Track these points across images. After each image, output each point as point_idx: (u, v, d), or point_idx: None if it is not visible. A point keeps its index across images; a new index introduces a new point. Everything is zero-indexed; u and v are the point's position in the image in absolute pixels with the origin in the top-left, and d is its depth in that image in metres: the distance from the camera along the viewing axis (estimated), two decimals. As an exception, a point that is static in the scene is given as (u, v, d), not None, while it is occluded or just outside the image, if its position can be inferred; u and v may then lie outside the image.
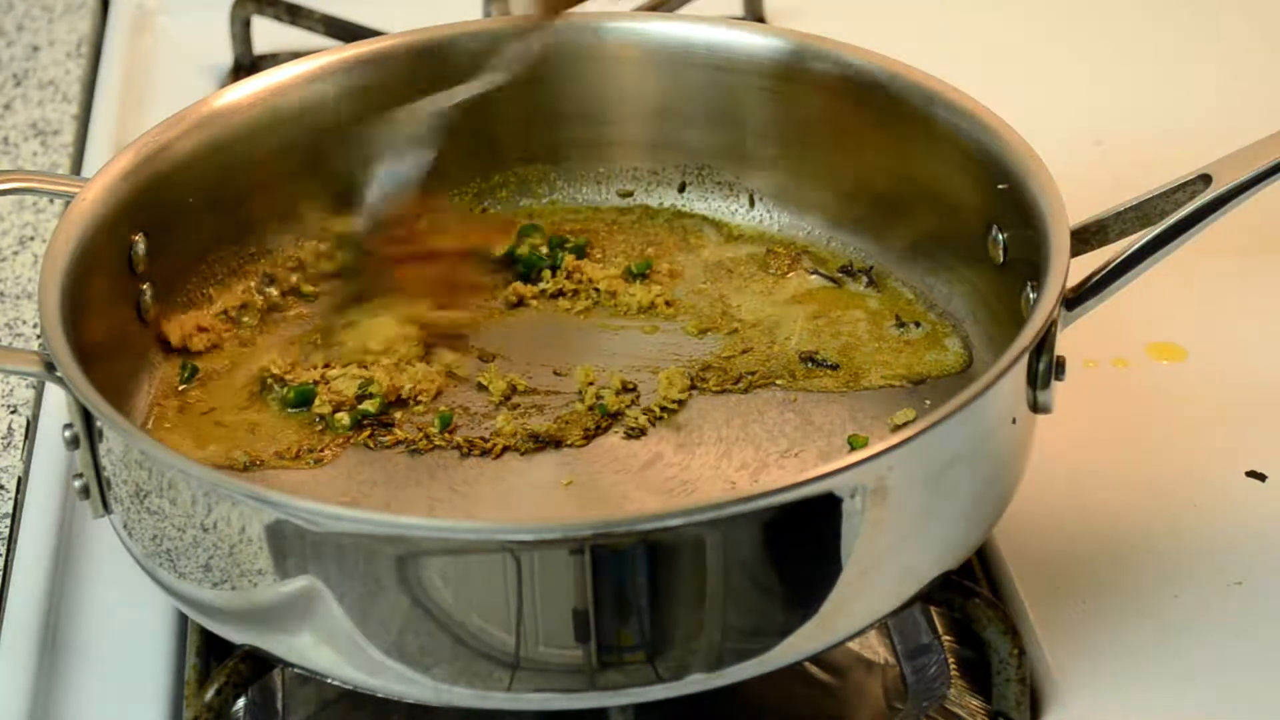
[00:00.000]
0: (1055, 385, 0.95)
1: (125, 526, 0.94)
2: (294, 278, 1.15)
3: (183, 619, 1.02)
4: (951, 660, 0.99)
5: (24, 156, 1.43)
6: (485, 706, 0.88)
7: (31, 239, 1.33)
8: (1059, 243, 0.95)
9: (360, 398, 1.05)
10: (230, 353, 1.10)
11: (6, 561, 1.06)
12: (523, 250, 1.16)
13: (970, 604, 0.94)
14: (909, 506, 0.88)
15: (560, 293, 1.14)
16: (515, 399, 1.06)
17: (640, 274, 1.14)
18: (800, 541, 0.86)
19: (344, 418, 1.05)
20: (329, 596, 0.86)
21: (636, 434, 1.04)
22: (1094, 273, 0.98)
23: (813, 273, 1.14)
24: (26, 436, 1.15)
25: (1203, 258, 1.10)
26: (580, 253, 1.16)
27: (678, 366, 1.07)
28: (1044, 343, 0.93)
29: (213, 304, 1.12)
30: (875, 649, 1.01)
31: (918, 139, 1.08)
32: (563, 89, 1.19)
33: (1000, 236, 1.04)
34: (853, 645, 1.00)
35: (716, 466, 1.01)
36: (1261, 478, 1.09)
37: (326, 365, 1.08)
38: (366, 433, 1.04)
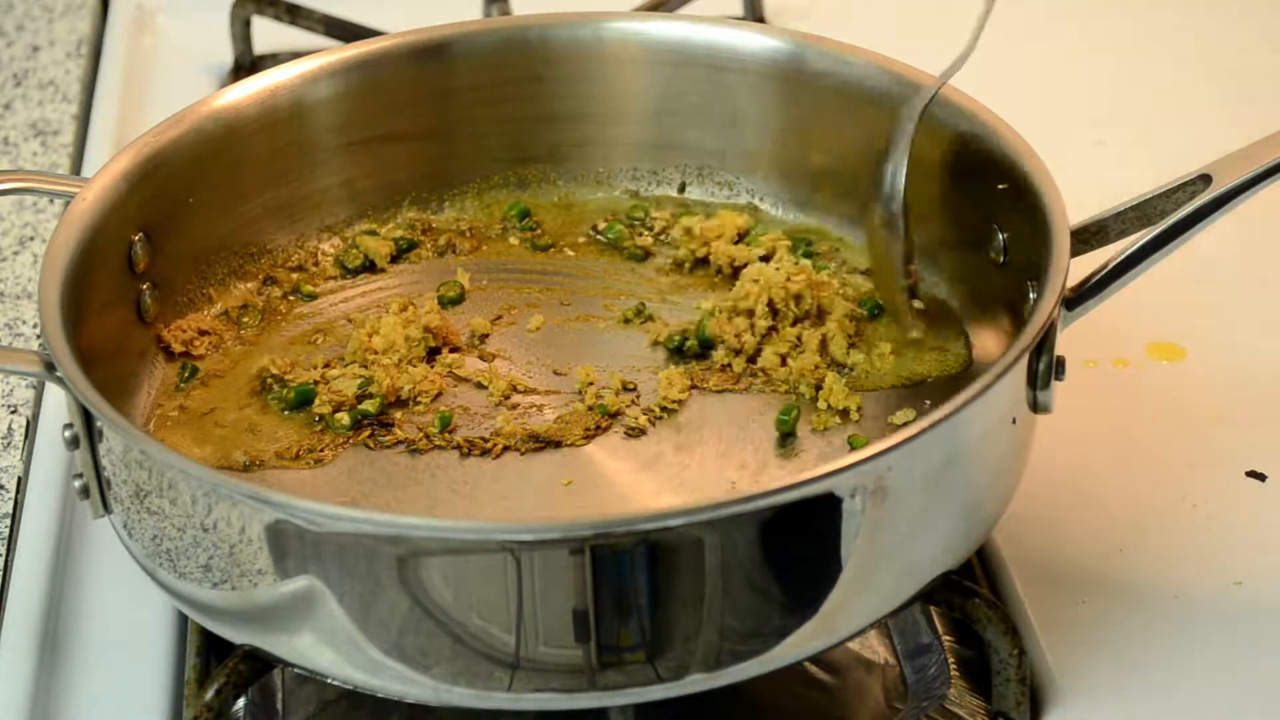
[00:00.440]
0: (1055, 385, 0.95)
1: (125, 526, 0.94)
2: (294, 277, 1.15)
3: (183, 619, 1.02)
4: (951, 660, 0.99)
5: (24, 156, 1.43)
6: (485, 706, 0.88)
7: (31, 239, 1.33)
8: (1059, 243, 0.95)
9: (360, 398, 1.05)
10: (230, 353, 1.10)
11: (6, 561, 1.06)
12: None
13: (970, 604, 0.94)
14: (909, 506, 0.88)
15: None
16: (515, 399, 1.06)
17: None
18: (800, 542, 0.86)
19: (344, 418, 1.04)
20: (329, 596, 0.86)
21: (636, 434, 1.04)
22: (1094, 273, 0.98)
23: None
24: (26, 436, 1.15)
25: (1203, 258, 1.10)
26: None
27: (678, 367, 1.07)
28: (1044, 343, 0.93)
29: (213, 304, 1.12)
30: (875, 649, 1.01)
31: (918, 140, 1.08)
32: (563, 89, 1.19)
33: (1000, 236, 1.04)
34: (853, 645, 1.00)
35: (716, 466, 1.01)
36: (1261, 478, 1.09)
37: (326, 365, 1.08)
38: (366, 433, 1.04)
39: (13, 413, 1.17)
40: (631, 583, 0.84)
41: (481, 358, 1.10)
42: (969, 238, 1.06)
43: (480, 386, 1.07)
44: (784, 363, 1.06)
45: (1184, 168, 1.00)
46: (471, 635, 0.86)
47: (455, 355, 1.09)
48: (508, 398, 1.06)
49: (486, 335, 1.11)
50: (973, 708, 0.96)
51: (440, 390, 1.07)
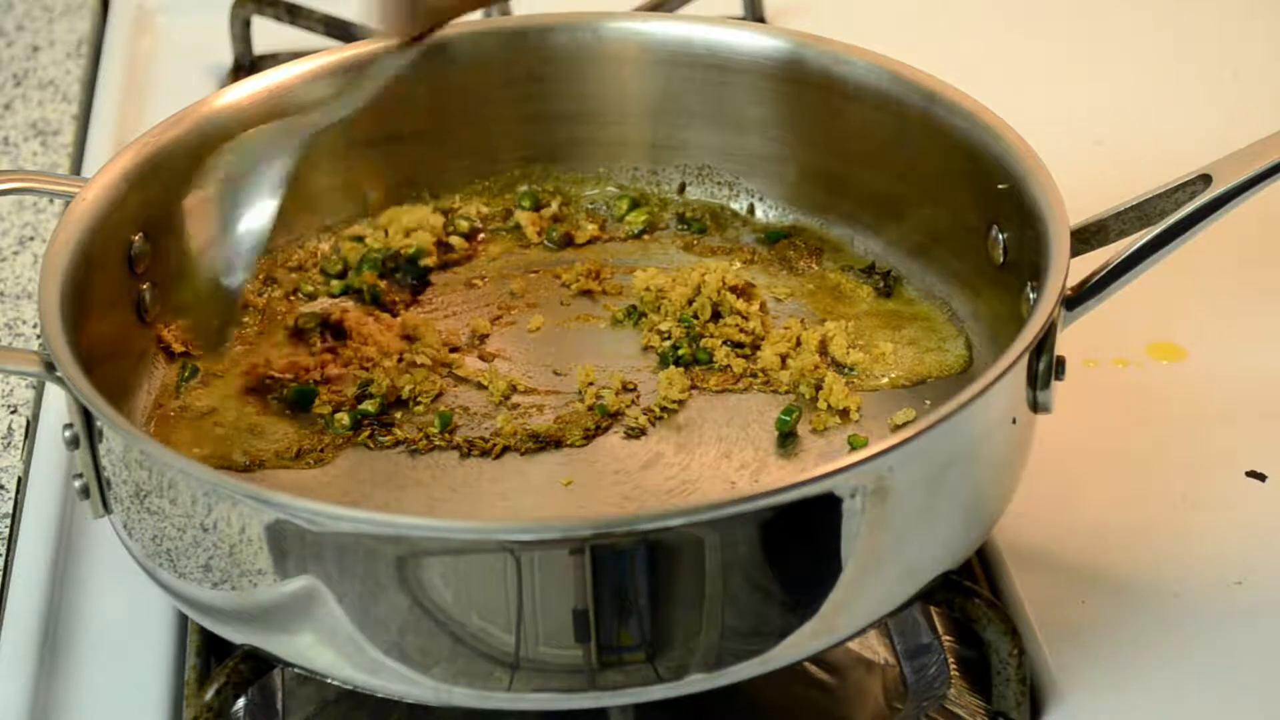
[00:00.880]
0: (1055, 385, 0.95)
1: (125, 526, 0.94)
2: (294, 277, 1.15)
3: (183, 619, 1.02)
4: (951, 660, 0.99)
5: (24, 156, 1.43)
6: (485, 706, 0.88)
7: (31, 239, 1.33)
8: (1059, 243, 0.95)
9: (360, 398, 1.06)
10: (230, 353, 1.10)
11: (6, 561, 1.06)
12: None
13: (970, 604, 0.94)
14: (909, 506, 0.88)
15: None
16: (515, 399, 1.06)
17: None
18: (800, 542, 0.86)
19: (344, 418, 1.05)
20: (329, 596, 0.86)
21: (636, 434, 1.04)
22: (1094, 273, 0.98)
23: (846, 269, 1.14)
24: (26, 436, 1.15)
25: (1203, 258, 1.10)
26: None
27: (678, 367, 1.07)
28: (1044, 343, 0.93)
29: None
30: (875, 649, 1.01)
31: (918, 139, 1.09)
32: (563, 89, 1.19)
33: (1000, 236, 1.04)
34: (853, 645, 1.00)
35: (716, 466, 1.01)
36: (1261, 478, 1.09)
37: (325, 364, 1.08)
38: (366, 433, 1.04)
39: (13, 413, 1.17)
40: (631, 583, 0.84)
41: (481, 358, 1.10)
42: (969, 238, 1.06)
43: (480, 386, 1.07)
44: (784, 363, 1.06)
45: (1184, 168, 1.00)
46: (471, 635, 0.86)
47: (455, 355, 1.09)
48: (508, 398, 1.06)
49: (486, 335, 1.11)
50: (973, 708, 0.96)
51: (440, 390, 1.07)
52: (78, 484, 0.95)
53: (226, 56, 1.53)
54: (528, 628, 0.85)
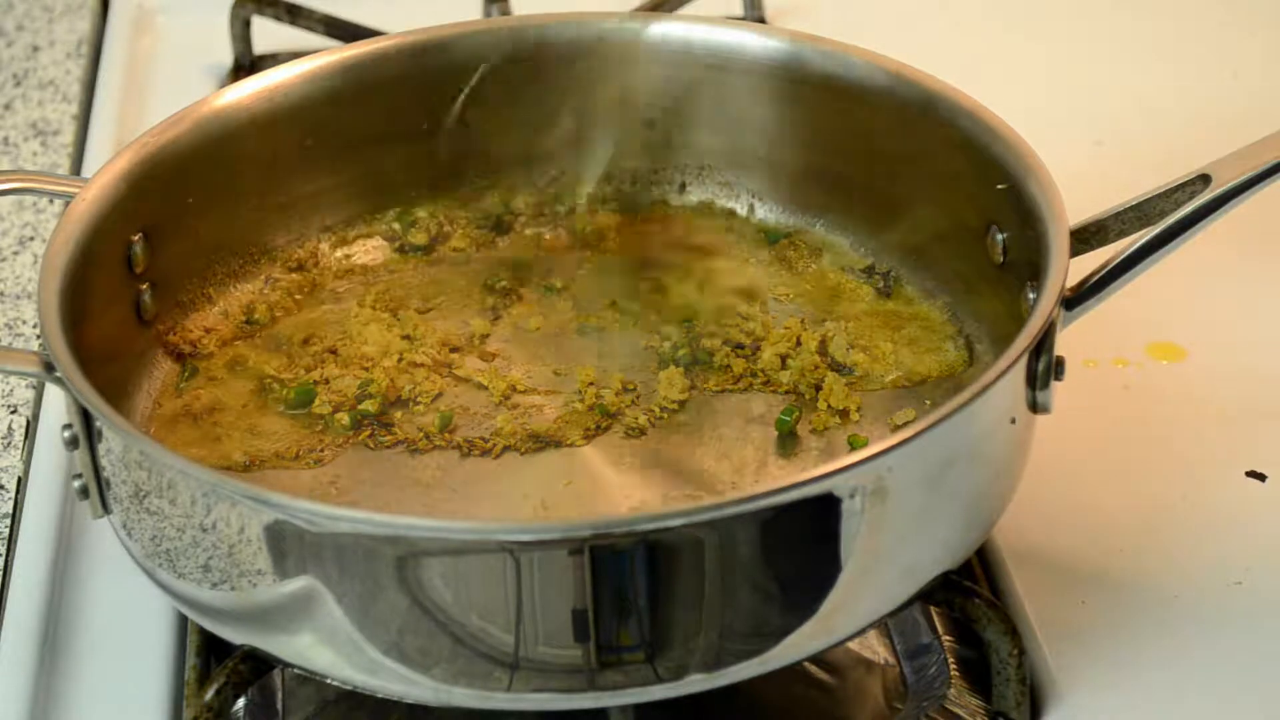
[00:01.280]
0: (1055, 385, 0.95)
1: (124, 527, 0.94)
2: (294, 277, 1.15)
3: (183, 619, 1.02)
4: (951, 660, 0.99)
5: (24, 156, 1.43)
6: (484, 707, 0.88)
7: (31, 239, 1.33)
8: (1058, 243, 0.95)
9: (360, 398, 1.06)
10: (231, 353, 1.10)
11: (6, 561, 1.06)
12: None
13: (970, 604, 0.94)
14: (908, 506, 0.88)
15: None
16: (515, 399, 1.06)
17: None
18: (800, 542, 0.86)
19: (344, 418, 1.05)
20: (328, 597, 0.86)
21: (637, 434, 1.04)
22: (1093, 273, 0.97)
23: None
24: (26, 436, 1.15)
25: (1203, 258, 1.10)
26: None
27: (678, 367, 1.07)
28: (1043, 343, 0.93)
29: (213, 304, 1.12)
30: (875, 649, 1.01)
31: (918, 139, 1.08)
32: (563, 89, 1.19)
33: (1000, 237, 1.04)
34: (853, 645, 1.00)
35: (717, 467, 1.01)
36: (1261, 478, 1.09)
37: (323, 362, 1.08)
38: (366, 433, 1.04)
39: (13, 413, 1.17)
40: (631, 583, 0.84)
41: (481, 358, 1.10)
42: (968, 238, 1.06)
43: (480, 387, 1.07)
44: (784, 364, 1.06)
45: (1184, 168, 1.00)
46: (471, 635, 0.86)
47: (455, 355, 1.09)
48: (508, 398, 1.06)
49: (486, 335, 1.11)
50: (973, 708, 0.96)
51: (440, 390, 1.07)
52: (77, 484, 0.95)
53: (226, 56, 1.53)
54: (527, 628, 0.85)
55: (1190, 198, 0.98)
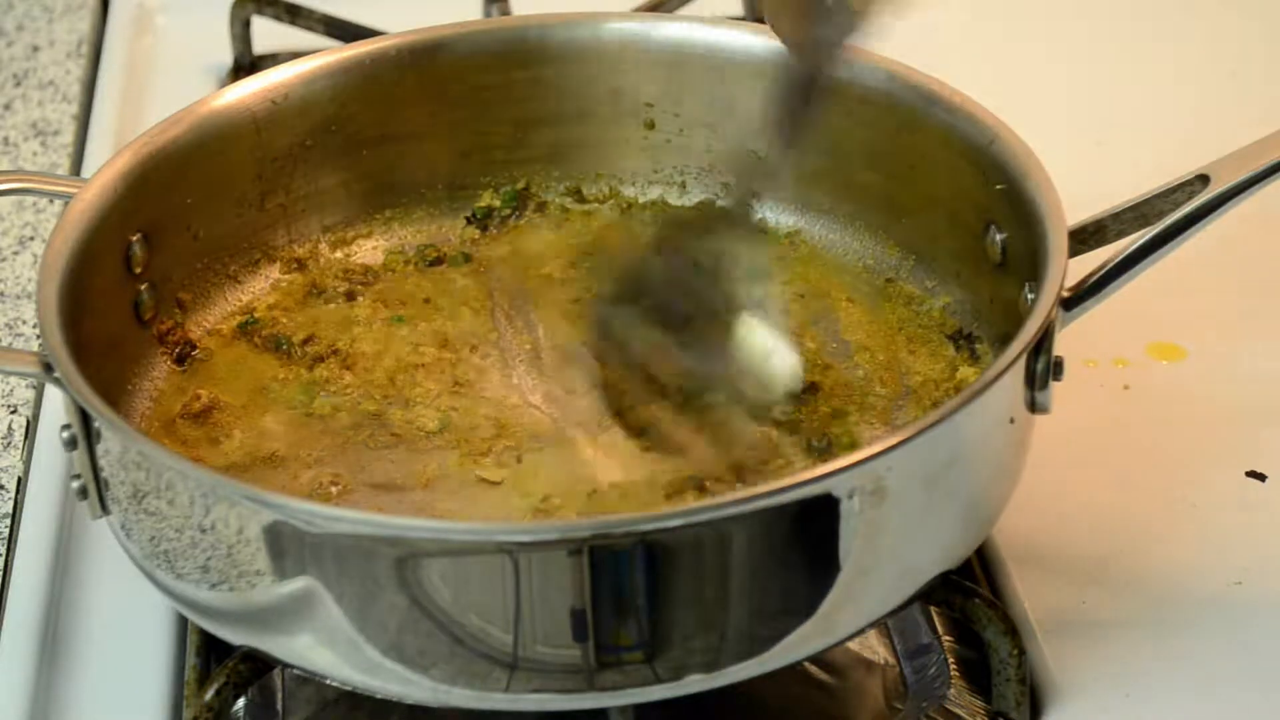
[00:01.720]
0: (1055, 385, 0.95)
1: (123, 527, 0.94)
2: (294, 277, 1.15)
3: (183, 619, 1.02)
4: (951, 660, 0.99)
5: (24, 156, 1.43)
6: (483, 707, 0.88)
7: (31, 239, 1.33)
8: (1057, 243, 0.95)
9: (360, 398, 1.06)
10: (230, 353, 1.10)
11: (6, 561, 1.06)
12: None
13: (970, 604, 0.94)
14: (907, 507, 0.88)
15: None
16: (516, 398, 1.06)
17: None
18: (799, 542, 0.86)
19: (344, 417, 1.05)
20: (327, 597, 0.86)
21: (638, 432, 1.03)
22: (1092, 273, 0.97)
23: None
24: (26, 436, 1.15)
25: (1203, 258, 1.10)
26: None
27: None
28: (1042, 343, 0.93)
29: (212, 304, 1.12)
30: (875, 649, 1.01)
31: (916, 140, 1.08)
32: (563, 89, 1.19)
33: (999, 237, 1.04)
34: (853, 645, 1.00)
35: (717, 465, 1.01)
36: (1261, 478, 1.09)
37: (323, 362, 1.08)
38: (367, 432, 1.04)
39: (13, 413, 1.17)
40: (629, 583, 0.84)
41: (482, 358, 1.10)
42: (967, 238, 1.06)
43: (481, 386, 1.07)
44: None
45: (1183, 168, 1.00)
46: (470, 636, 0.86)
47: (455, 355, 1.09)
48: (508, 397, 1.06)
49: (487, 335, 1.11)
50: (973, 708, 0.97)
51: (441, 390, 1.07)
52: (75, 485, 0.95)
53: (226, 56, 1.53)
54: (526, 628, 0.85)
55: (1189, 198, 0.98)
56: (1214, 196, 0.97)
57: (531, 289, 1.15)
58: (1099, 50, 1.51)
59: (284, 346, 1.10)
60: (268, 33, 1.52)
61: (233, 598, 0.89)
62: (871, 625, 0.92)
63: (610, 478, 1.00)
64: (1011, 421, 0.93)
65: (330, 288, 1.15)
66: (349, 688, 0.90)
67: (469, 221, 1.20)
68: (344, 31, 1.46)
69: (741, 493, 0.85)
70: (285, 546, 0.86)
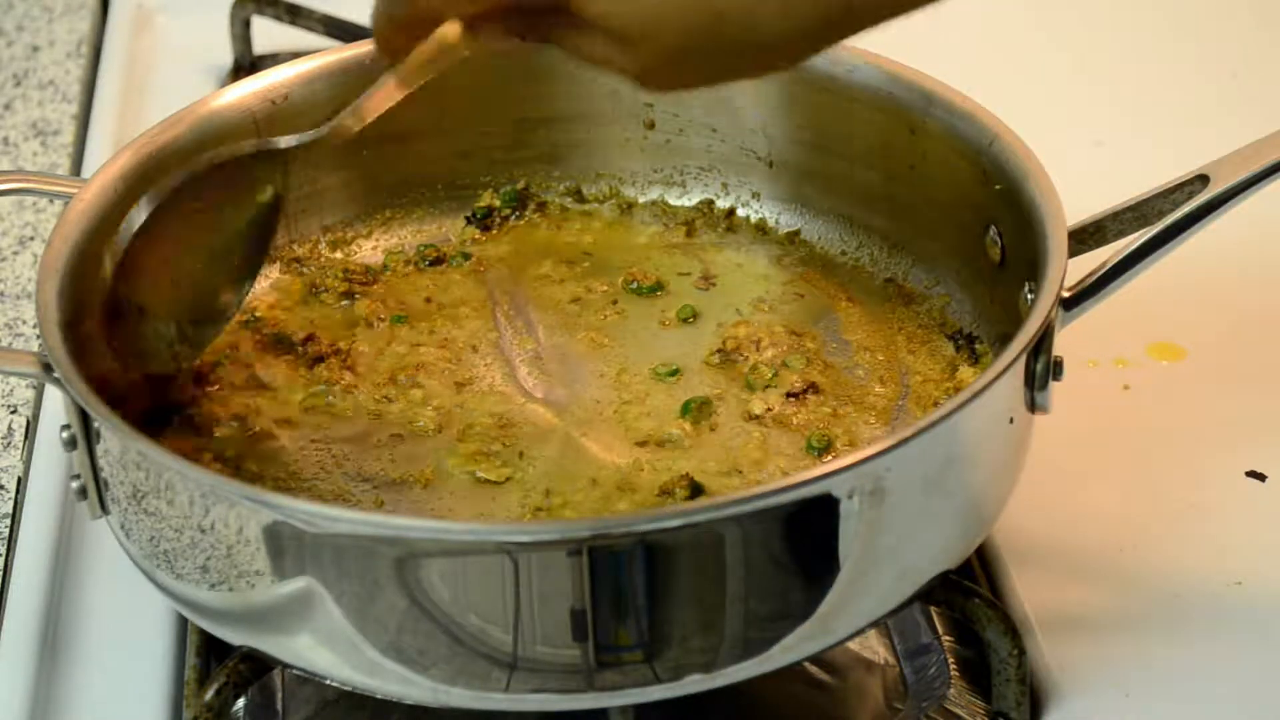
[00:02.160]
0: (1055, 385, 0.95)
1: (123, 527, 0.94)
2: (294, 277, 1.15)
3: (183, 619, 1.02)
4: (951, 660, 0.99)
5: (24, 156, 1.43)
6: (483, 707, 0.88)
7: (31, 239, 1.33)
8: (1056, 243, 0.95)
9: (360, 397, 1.06)
10: (230, 353, 1.09)
11: (6, 561, 1.06)
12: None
13: (970, 604, 0.94)
14: (907, 507, 0.88)
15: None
16: (516, 397, 1.06)
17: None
18: (798, 542, 0.86)
19: (344, 417, 1.05)
20: (326, 597, 0.86)
21: (639, 430, 1.03)
22: (1092, 273, 0.97)
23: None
24: (26, 436, 1.15)
25: (1203, 258, 1.10)
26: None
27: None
28: (1041, 343, 0.93)
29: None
30: (875, 649, 1.01)
31: (916, 140, 1.08)
32: (562, 89, 1.19)
33: (999, 237, 1.04)
34: (853, 645, 1.00)
35: (718, 463, 1.01)
36: (1261, 478, 1.09)
37: (323, 362, 1.08)
38: (367, 432, 1.04)
39: (13, 413, 1.17)
40: (629, 584, 0.84)
41: (482, 356, 1.09)
42: (967, 238, 1.06)
43: (481, 385, 1.07)
44: (784, 364, 1.06)
45: (1183, 168, 1.00)
46: (469, 636, 0.86)
47: (456, 354, 1.09)
48: (509, 396, 1.06)
49: (487, 334, 1.11)
50: (973, 708, 0.97)
51: (441, 389, 1.07)
52: (75, 485, 0.95)
53: (226, 56, 1.53)
54: (525, 629, 0.85)
55: (1189, 198, 0.98)
56: (1214, 196, 0.97)
57: (531, 289, 1.15)
58: (1099, 51, 1.51)
59: (284, 346, 1.10)
60: (268, 33, 1.52)
61: (232, 598, 0.89)
62: (871, 625, 0.92)
63: (611, 477, 1.00)
64: (1011, 421, 0.93)
65: (330, 288, 1.14)
66: (349, 688, 0.90)
67: (469, 221, 1.20)
68: (344, 31, 1.46)
69: (741, 493, 0.85)
70: (285, 546, 0.86)
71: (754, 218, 1.18)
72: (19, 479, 1.12)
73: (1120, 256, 0.97)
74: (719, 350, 1.08)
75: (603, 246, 1.18)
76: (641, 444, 1.02)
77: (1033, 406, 0.94)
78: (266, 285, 1.14)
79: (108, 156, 1.07)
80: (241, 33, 1.52)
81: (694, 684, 0.88)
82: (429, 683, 0.87)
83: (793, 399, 1.05)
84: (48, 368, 0.93)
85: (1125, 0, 1.57)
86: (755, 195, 1.19)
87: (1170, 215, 0.98)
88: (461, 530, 0.86)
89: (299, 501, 0.87)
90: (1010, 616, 0.94)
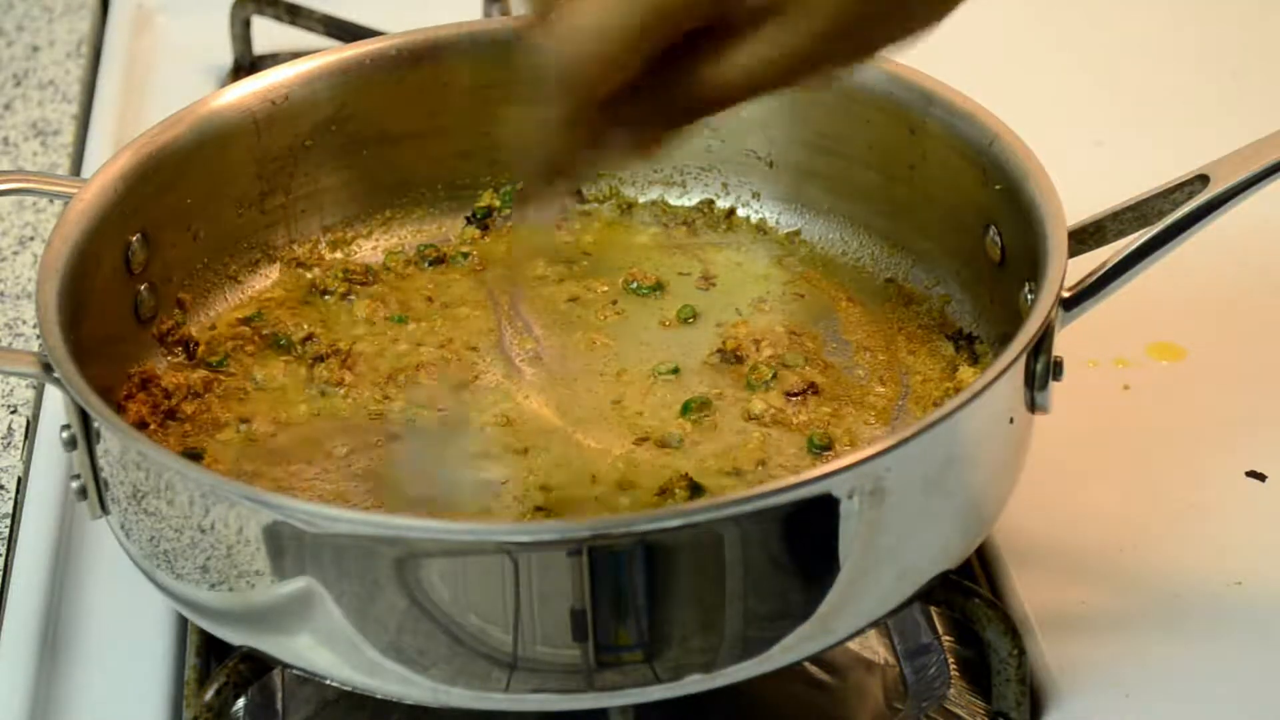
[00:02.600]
0: (1055, 385, 0.95)
1: (123, 527, 0.94)
2: (294, 277, 1.15)
3: (183, 619, 1.02)
4: (951, 660, 0.99)
5: (24, 156, 1.43)
6: (483, 707, 0.88)
7: (31, 239, 1.33)
8: (1056, 243, 0.95)
9: (360, 397, 1.06)
10: (230, 353, 1.09)
11: (6, 561, 1.06)
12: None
13: (970, 604, 0.94)
14: (906, 507, 0.88)
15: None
16: (517, 396, 1.06)
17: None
18: (798, 542, 0.86)
19: (344, 416, 1.04)
20: (326, 597, 0.86)
21: (639, 429, 1.03)
22: (1091, 273, 0.97)
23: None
24: (26, 436, 1.15)
25: (1203, 258, 1.10)
26: None
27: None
28: (1041, 343, 0.93)
29: (212, 304, 1.12)
30: (875, 649, 1.01)
31: (916, 139, 1.08)
32: (562, 89, 1.18)
33: (998, 237, 1.04)
34: (853, 645, 1.00)
35: (719, 463, 1.01)
36: (1261, 478, 1.09)
37: (323, 362, 1.08)
38: (367, 431, 1.04)
39: (13, 413, 1.17)
40: (629, 584, 0.84)
41: (482, 356, 1.09)
42: (967, 238, 1.06)
43: (481, 384, 1.07)
44: (783, 363, 1.07)
45: (1183, 168, 1.00)
46: (469, 636, 0.86)
47: (456, 353, 1.09)
48: (510, 395, 1.06)
49: (487, 333, 1.11)
50: (973, 708, 0.97)
51: (442, 389, 1.07)
52: (75, 485, 0.95)
53: (226, 56, 1.53)
54: (525, 628, 0.85)
55: (1189, 198, 0.98)
56: (1214, 196, 0.97)
57: (531, 289, 1.15)
58: (1099, 51, 1.51)
59: (284, 346, 1.10)
60: (268, 33, 1.52)
61: (232, 598, 0.89)
62: (871, 625, 0.92)
63: (611, 477, 1.00)
64: (1011, 421, 0.93)
65: (330, 288, 1.14)
66: (349, 688, 0.90)
67: (469, 221, 1.20)
68: (344, 31, 1.46)
69: (741, 493, 0.85)
70: (285, 546, 0.86)
71: (754, 218, 1.18)
72: (19, 479, 1.12)
73: (1120, 256, 0.97)
74: (719, 350, 1.08)
75: (603, 246, 1.18)
76: (641, 443, 1.02)
77: (1033, 406, 0.94)
78: (267, 285, 1.14)
79: (108, 156, 1.07)
80: (241, 33, 1.52)
81: (694, 684, 0.88)
82: (429, 683, 0.87)
83: (793, 399, 1.04)
84: (48, 368, 0.93)
85: (1125, 0, 1.57)
86: (755, 195, 1.19)
87: (1170, 215, 0.97)
88: (461, 530, 0.86)
89: (299, 501, 0.87)
90: (1010, 616, 0.94)
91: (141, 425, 1.02)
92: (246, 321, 1.11)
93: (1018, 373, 0.93)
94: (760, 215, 1.18)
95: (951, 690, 0.97)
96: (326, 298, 1.14)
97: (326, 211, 1.18)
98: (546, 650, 0.86)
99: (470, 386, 1.07)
